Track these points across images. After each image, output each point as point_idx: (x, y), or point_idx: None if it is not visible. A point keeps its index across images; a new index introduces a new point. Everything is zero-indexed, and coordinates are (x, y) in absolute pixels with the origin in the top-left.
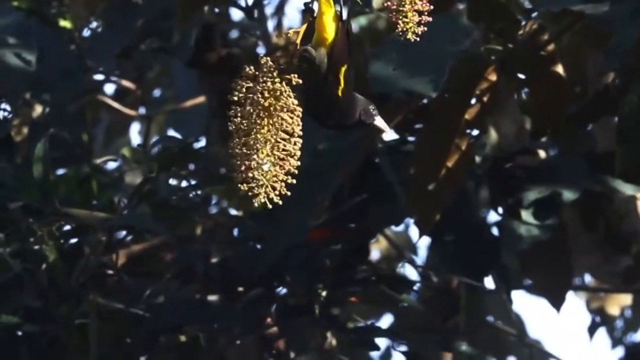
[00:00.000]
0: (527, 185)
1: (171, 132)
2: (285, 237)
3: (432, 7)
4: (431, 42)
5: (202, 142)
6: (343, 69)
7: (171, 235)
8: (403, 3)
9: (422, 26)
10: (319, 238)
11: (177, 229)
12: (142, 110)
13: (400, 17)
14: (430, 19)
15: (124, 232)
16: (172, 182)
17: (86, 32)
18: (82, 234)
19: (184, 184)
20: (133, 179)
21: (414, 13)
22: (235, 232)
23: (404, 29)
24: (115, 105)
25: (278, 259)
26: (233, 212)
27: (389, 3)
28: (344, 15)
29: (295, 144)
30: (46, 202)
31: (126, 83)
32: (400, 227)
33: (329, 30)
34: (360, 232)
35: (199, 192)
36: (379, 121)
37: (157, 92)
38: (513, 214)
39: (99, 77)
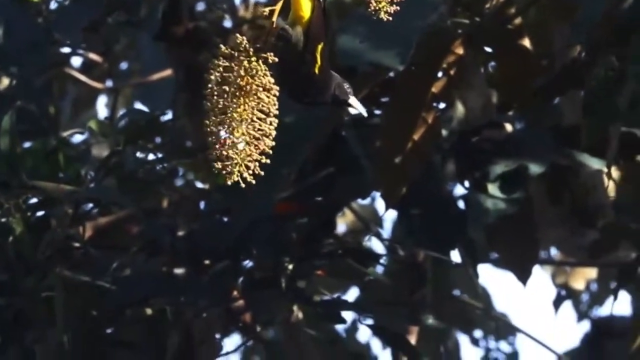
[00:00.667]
0: (494, 158)
1: (138, 105)
2: (251, 210)
3: None
4: (398, 16)
5: (169, 115)
6: (319, 47)
7: (137, 208)
8: None
9: (394, 5)
10: (286, 211)
11: (143, 202)
12: (109, 83)
13: None
14: None
15: (90, 205)
16: (139, 155)
17: (53, 5)
18: (49, 207)
19: (150, 157)
20: (100, 152)
21: None
22: (202, 205)
23: (377, 8)
24: (82, 78)
25: (244, 232)
26: (199, 185)
27: None
28: None
29: (270, 123)
30: (13, 175)
31: (93, 56)
32: (367, 201)
33: (305, 8)
34: (326, 206)
35: (165, 165)
36: (354, 100)
37: (124, 65)
38: (479, 188)
39: (66, 50)
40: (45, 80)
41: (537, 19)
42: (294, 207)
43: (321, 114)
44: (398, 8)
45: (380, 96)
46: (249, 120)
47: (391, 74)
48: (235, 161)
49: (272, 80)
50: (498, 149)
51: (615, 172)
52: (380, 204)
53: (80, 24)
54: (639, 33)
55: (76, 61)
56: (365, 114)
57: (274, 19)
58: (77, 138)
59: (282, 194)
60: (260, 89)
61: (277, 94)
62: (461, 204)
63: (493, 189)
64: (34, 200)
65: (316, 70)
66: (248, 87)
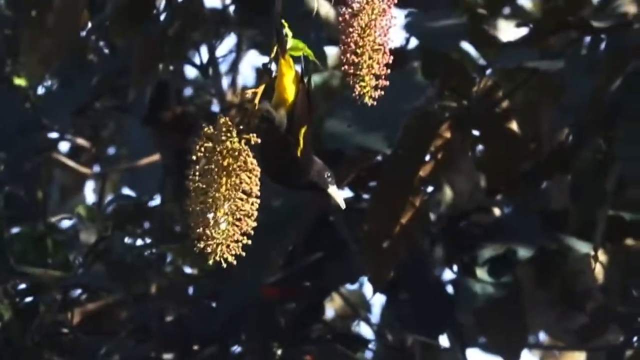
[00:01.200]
0: (482, 243)
1: (126, 191)
2: (239, 295)
3: (389, 70)
4: (385, 99)
5: (156, 200)
6: (303, 130)
7: (126, 293)
8: (360, 67)
9: (379, 90)
10: (274, 296)
11: (132, 288)
12: (96, 169)
13: (358, 81)
14: (387, 82)
15: (79, 291)
16: (127, 240)
17: (41, 90)
18: (38, 293)
19: (138, 242)
20: (88, 238)
21: (371, 77)
22: (190, 290)
23: (361, 93)
24: (70, 163)
25: (233, 317)
26: (188, 270)
27: (346, 67)
28: (304, 76)
29: (252, 204)
30: (1, 260)
31: (81, 141)
32: (355, 285)
33: (290, 90)
34: (315, 290)
35: (153, 250)
36: (333, 190)
37: (111, 150)
38: (468, 272)
39: (54, 135)
40: (33, 166)
41: (524, 102)
42: (282, 292)
43: (308, 198)
44: (382, 93)
45: (368, 180)
46: (231, 201)
47: (379, 158)
48: (217, 241)
49: (255, 161)
50: (486, 233)
51: (603, 256)
52: (368, 289)
53: (68, 109)
54: (627, 115)
55: (64, 146)
56: (343, 206)
57: (257, 100)
58: (66, 223)
59: (271, 279)
60: (243, 169)
61: (259, 174)
62: (450, 288)
63: (481, 273)
64: (23, 285)
65: (298, 153)
66: (230, 167)
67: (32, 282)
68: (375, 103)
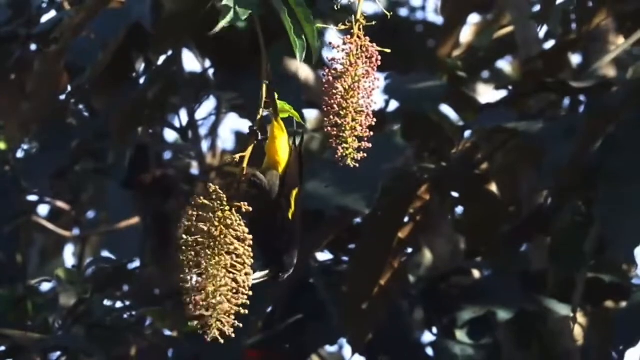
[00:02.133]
0: (462, 305)
1: (105, 253)
2: (219, 357)
3: (371, 133)
4: (364, 160)
5: (136, 263)
6: (295, 192)
7: (106, 356)
8: (343, 129)
9: (361, 152)
10: (254, 358)
11: (111, 350)
12: (76, 232)
13: (340, 143)
14: (370, 145)
15: (58, 353)
16: (107, 303)
17: (20, 153)
18: (17, 355)
19: (118, 304)
20: (67, 300)
21: (354, 139)
22: (170, 352)
23: (344, 155)
24: (50, 226)
25: None
26: (167, 332)
27: (329, 128)
28: (296, 140)
29: (246, 274)
30: None
31: (61, 204)
32: (335, 347)
33: (282, 153)
34: (295, 352)
35: (133, 312)
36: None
37: (91, 214)
38: (448, 334)
39: (34, 198)
40: (13, 229)
41: (504, 164)
42: (262, 354)
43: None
44: (365, 155)
45: (347, 242)
46: (224, 274)
47: (358, 220)
48: (213, 318)
49: (247, 230)
50: (466, 295)
51: (582, 318)
52: (348, 351)
53: (47, 172)
54: (605, 178)
55: (44, 209)
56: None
57: (245, 165)
58: (45, 286)
59: (251, 341)
60: (235, 239)
61: (251, 243)
62: (429, 351)
63: (461, 335)
64: (2, 348)
65: (290, 216)
66: (222, 237)
67: (11, 344)
68: (357, 165)
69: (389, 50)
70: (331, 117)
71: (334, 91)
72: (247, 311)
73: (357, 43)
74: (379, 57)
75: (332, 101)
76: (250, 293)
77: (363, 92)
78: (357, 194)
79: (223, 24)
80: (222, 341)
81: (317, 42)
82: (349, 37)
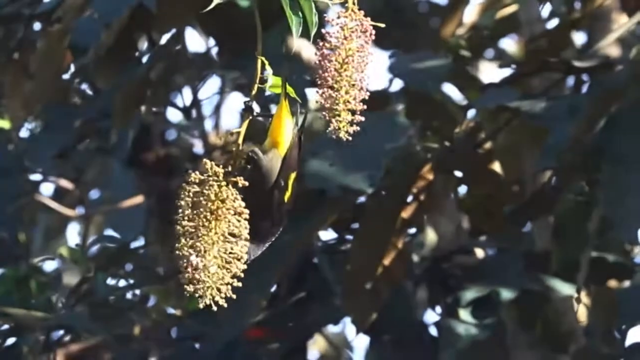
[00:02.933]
0: (465, 284)
1: (109, 232)
2: (223, 336)
3: (365, 106)
4: (368, 140)
5: (140, 242)
6: (293, 176)
7: (109, 335)
8: (336, 102)
9: (354, 125)
10: (258, 337)
11: (115, 329)
12: (80, 211)
13: (334, 116)
14: (363, 118)
15: (61, 332)
16: (110, 281)
17: (24, 132)
18: (20, 334)
19: (121, 283)
20: (71, 279)
21: (347, 112)
22: (174, 331)
23: (337, 128)
24: (54, 205)
25: (217, 358)
26: (171, 311)
27: (322, 101)
28: (299, 121)
29: (241, 246)
30: None
31: (64, 183)
32: (338, 327)
33: (286, 135)
34: (298, 331)
35: (136, 291)
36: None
37: (95, 194)
38: (451, 313)
39: (37, 177)
40: (16, 208)
41: (507, 144)
42: (265, 332)
43: (289, 239)
44: (362, 130)
45: (351, 222)
46: (220, 244)
47: (362, 198)
48: (207, 284)
49: (243, 204)
50: (469, 274)
51: (586, 297)
52: (351, 330)
53: (50, 152)
54: (609, 158)
55: (47, 188)
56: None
57: (240, 140)
58: (49, 265)
59: (254, 319)
60: (231, 212)
61: (248, 217)
62: (433, 330)
63: (465, 314)
64: (5, 327)
65: (285, 199)
66: (218, 211)
67: (14, 323)
68: (350, 138)
69: (383, 25)
70: (325, 89)
71: (328, 64)
72: (240, 284)
73: (352, 17)
74: (374, 32)
75: (326, 74)
76: (245, 266)
77: (357, 66)
78: (360, 173)
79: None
80: (215, 309)
81: (314, 17)
82: (343, 10)
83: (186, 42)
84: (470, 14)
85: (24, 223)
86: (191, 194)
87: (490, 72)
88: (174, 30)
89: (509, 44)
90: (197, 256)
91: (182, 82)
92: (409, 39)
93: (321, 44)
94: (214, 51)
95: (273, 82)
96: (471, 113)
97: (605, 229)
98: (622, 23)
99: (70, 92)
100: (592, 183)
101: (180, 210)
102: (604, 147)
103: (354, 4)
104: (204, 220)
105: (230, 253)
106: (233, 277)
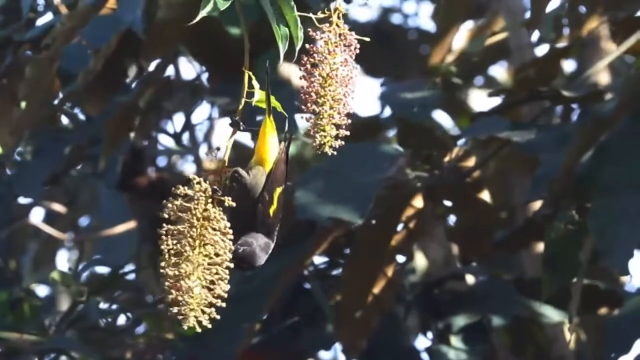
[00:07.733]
0: (457, 310)
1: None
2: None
3: (349, 121)
4: (357, 169)
5: (131, 267)
6: (278, 190)
7: (101, 358)
8: (321, 117)
9: (339, 140)
10: None
11: (107, 352)
12: (71, 235)
13: (318, 131)
14: (347, 132)
15: (54, 355)
16: (102, 305)
17: (15, 157)
18: (13, 357)
19: (113, 306)
20: (63, 303)
21: (332, 127)
22: (166, 355)
23: (322, 143)
24: (45, 228)
25: None
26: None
27: (306, 116)
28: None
29: (226, 267)
30: None
31: (56, 206)
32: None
33: (271, 152)
34: (290, 356)
35: (129, 314)
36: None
37: (86, 220)
38: (442, 339)
39: (29, 201)
40: (8, 232)
41: (496, 172)
42: (258, 356)
43: (282, 266)
44: (343, 143)
45: (343, 247)
46: (204, 265)
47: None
48: (191, 306)
49: (228, 225)
50: (461, 300)
51: (576, 325)
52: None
53: (41, 178)
54: (599, 187)
55: (39, 212)
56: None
57: (225, 157)
58: (41, 290)
59: (247, 343)
60: (216, 233)
61: (232, 237)
62: (424, 356)
63: (456, 340)
64: None
65: (270, 213)
66: (203, 229)
67: (7, 346)
68: (335, 153)
69: (368, 39)
70: (309, 104)
71: (312, 79)
72: (224, 304)
73: (336, 31)
74: (358, 46)
75: (310, 89)
76: (228, 287)
77: (341, 80)
78: (350, 203)
79: (203, 13)
80: (199, 330)
81: (300, 32)
82: (327, 25)
83: (179, 67)
84: (460, 41)
85: (16, 247)
86: (176, 208)
87: (480, 99)
88: (161, 58)
89: (499, 71)
90: (180, 276)
91: (173, 109)
92: (399, 67)
93: (305, 59)
94: (204, 77)
95: (259, 97)
96: (461, 141)
97: (596, 257)
98: (611, 50)
99: (59, 118)
100: (583, 211)
101: (164, 225)
102: (594, 176)
103: (338, 18)
104: (189, 238)
105: (214, 274)
106: (217, 297)
